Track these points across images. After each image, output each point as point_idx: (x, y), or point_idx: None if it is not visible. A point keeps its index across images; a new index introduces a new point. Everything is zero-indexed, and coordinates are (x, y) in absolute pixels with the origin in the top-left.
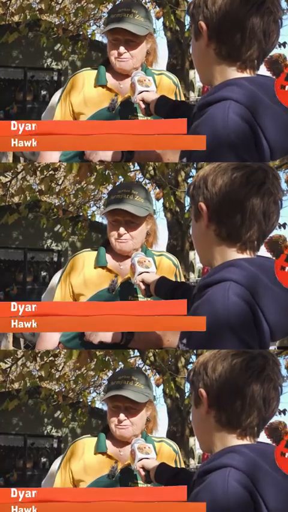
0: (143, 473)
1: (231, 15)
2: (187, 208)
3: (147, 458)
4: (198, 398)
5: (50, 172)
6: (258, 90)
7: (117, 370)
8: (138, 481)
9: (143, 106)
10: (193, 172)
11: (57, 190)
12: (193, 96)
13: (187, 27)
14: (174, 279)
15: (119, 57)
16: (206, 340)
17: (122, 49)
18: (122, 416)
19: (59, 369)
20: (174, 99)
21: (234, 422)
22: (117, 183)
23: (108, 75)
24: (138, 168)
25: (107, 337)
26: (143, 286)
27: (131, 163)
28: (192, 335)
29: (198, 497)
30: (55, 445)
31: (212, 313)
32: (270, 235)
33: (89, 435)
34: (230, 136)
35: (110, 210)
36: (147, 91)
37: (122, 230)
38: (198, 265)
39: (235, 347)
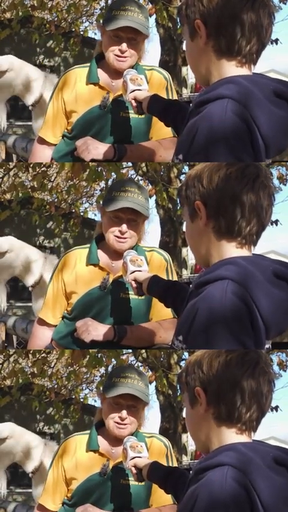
0: (134, 471)
1: (229, 9)
2: (180, 205)
3: (139, 457)
4: (195, 398)
5: (43, 169)
6: (255, 88)
7: (116, 366)
8: (130, 479)
9: (134, 105)
10: (186, 169)
11: (49, 187)
12: (186, 92)
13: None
14: (165, 274)
15: (121, 55)
16: (203, 337)
17: (124, 46)
18: (124, 413)
19: (52, 366)
20: (165, 94)
21: (234, 416)
22: (110, 180)
23: (101, 73)
24: (130, 165)
25: (99, 335)
26: (135, 285)
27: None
28: (189, 332)
29: (195, 494)
30: None
31: (209, 311)
32: None
33: (81, 432)
34: (227, 134)
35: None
36: (139, 89)
37: (124, 227)
38: (190, 261)
39: (230, 344)
